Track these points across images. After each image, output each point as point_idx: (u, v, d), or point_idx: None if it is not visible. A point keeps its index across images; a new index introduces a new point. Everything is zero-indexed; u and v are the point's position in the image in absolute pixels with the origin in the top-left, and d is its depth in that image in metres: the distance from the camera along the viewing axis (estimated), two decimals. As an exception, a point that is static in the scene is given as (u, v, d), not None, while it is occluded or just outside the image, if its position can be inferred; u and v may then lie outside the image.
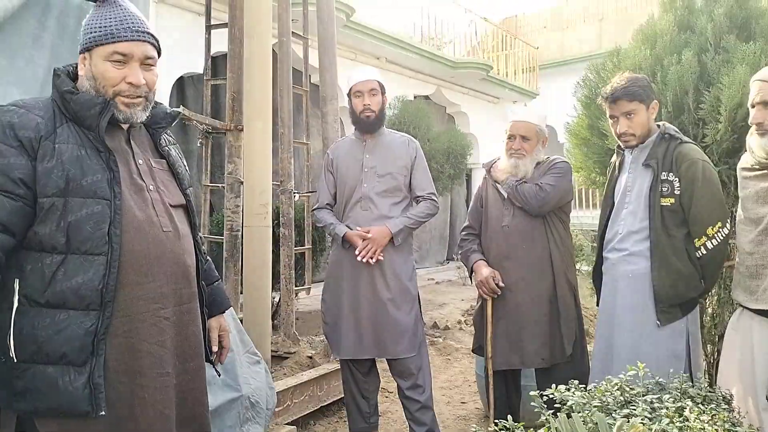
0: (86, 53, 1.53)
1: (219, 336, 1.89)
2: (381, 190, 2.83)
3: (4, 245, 1.41)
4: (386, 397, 3.95)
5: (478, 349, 2.99)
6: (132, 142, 1.62)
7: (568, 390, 1.60)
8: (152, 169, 1.66)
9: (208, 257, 1.97)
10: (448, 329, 5.95)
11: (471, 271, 2.90)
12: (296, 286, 4.24)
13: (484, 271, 2.79)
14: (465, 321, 6.31)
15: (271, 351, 3.69)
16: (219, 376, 1.94)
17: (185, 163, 1.85)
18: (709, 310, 3.07)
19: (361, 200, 2.84)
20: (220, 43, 4.07)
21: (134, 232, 1.51)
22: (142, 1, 2.65)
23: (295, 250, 4.18)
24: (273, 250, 3.61)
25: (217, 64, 5.54)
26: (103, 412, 1.43)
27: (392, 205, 2.85)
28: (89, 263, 1.44)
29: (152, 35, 1.57)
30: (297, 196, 4.33)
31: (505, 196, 2.80)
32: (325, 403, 3.60)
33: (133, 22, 1.53)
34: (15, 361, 1.41)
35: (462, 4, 11.33)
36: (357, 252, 2.74)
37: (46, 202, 1.44)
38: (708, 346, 3.04)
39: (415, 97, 9.37)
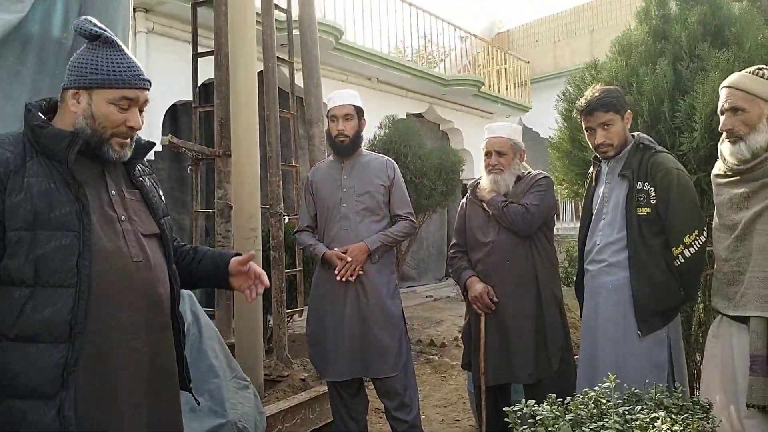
0: (83, 91, 1.54)
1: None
2: (360, 209, 2.84)
3: None
4: (380, 417, 3.92)
5: (467, 364, 3.00)
6: (105, 173, 1.65)
7: (539, 404, 1.59)
8: (125, 199, 1.67)
9: (198, 247, 1.94)
10: (444, 346, 5.90)
11: (464, 288, 2.90)
12: (288, 309, 4.23)
13: (478, 286, 2.79)
14: (462, 337, 6.26)
15: (264, 375, 3.67)
16: (198, 404, 1.91)
17: (161, 193, 1.86)
18: (696, 319, 3.05)
19: (341, 220, 2.85)
20: (211, 70, 4.12)
21: (103, 262, 1.52)
22: (121, 34, 2.70)
23: (287, 272, 4.18)
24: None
25: (209, 91, 5.59)
26: (74, 446, 1.43)
27: (372, 224, 2.85)
28: (58, 295, 1.45)
29: (150, 82, 1.63)
30: (287, 218, 4.35)
31: (490, 213, 2.82)
32: (318, 426, 3.54)
33: (138, 70, 1.58)
34: None
35: (453, 23, 11.43)
36: (336, 271, 2.75)
37: (13, 236, 1.45)
38: (696, 354, 3.02)
39: (407, 116, 9.41)
